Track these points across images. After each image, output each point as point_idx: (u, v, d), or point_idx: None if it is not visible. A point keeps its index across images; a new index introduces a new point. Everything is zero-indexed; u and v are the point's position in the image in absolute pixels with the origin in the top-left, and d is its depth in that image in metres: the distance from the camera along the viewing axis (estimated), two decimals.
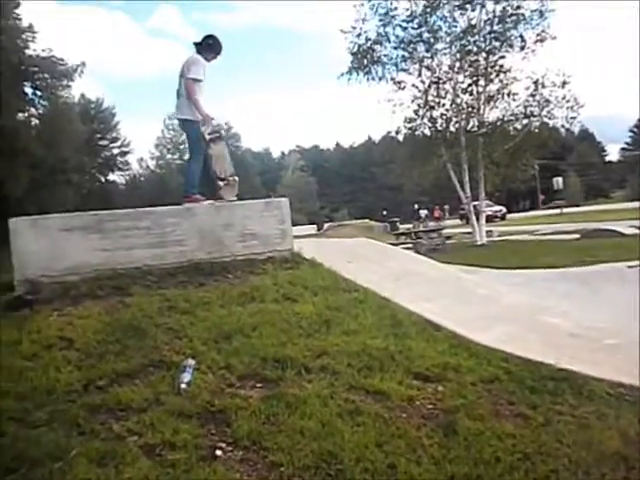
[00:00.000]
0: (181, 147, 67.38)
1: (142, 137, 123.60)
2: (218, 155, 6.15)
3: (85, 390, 3.03)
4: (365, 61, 17.39)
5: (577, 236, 15.09)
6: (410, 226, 28.14)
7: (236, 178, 6.36)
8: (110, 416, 2.78)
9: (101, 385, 3.08)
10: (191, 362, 3.26)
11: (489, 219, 23.42)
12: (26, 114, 32.86)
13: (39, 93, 33.81)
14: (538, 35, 16.50)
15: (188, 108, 5.86)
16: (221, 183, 6.12)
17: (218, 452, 2.53)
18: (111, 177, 61.66)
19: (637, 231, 13.70)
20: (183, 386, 3.06)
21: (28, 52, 30.04)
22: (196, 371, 3.22)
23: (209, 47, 6.01)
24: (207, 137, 5.99)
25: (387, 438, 2.65)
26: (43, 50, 31.00)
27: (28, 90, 32.44)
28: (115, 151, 62.00)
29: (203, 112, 5.85)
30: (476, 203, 17.96)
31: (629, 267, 7.96)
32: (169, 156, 67.36)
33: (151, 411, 2.80)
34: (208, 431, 2.70)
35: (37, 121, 34.16)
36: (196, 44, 6.00)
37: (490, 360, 3.62)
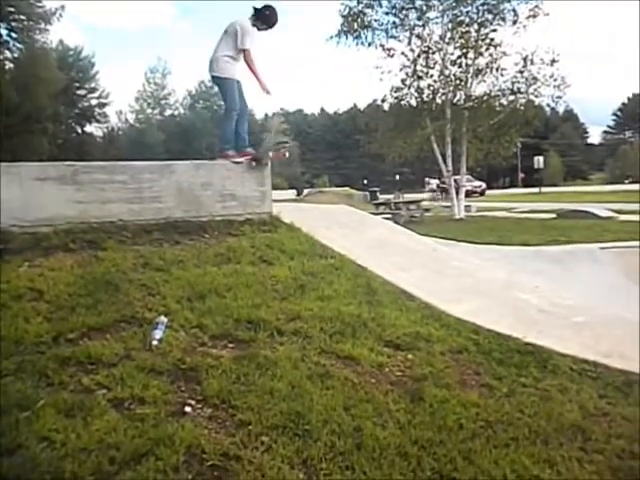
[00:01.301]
0: (162, 102, 66.04)
1: (122, 89, 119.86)
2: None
3: (54, 342, 3.00)
4: (355, 25, 17.05)
5: (553, 216, 15.32)
6: (390, 196, 28.25)
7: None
8: (79, 369, 2.77)
9: (71, 338, 3.06)
10: (163, 319, 3.25)
11: (468, 194, 23.63)
12: (0, 57, 31.59)
13: (14, 35, 32.44)
14: (531, 10, 16.36)
15: (225, 65, 5.82)
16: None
17: (187, 409, 2.55)
18: (88, 128, 60.21)
19: (612, 214, 13.95)
20: (154, 343, 3.05)
21: None
22: (168, 329, 3.22)
23: (265, 17, 5.91)
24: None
25: (355, 402, 2.70)
26: None
27: (2, 31, 31.09)
28: (93, 102, 60.30)
29: (264, 84, 5.86)
30: (457, 177, 18.02)
31: (601, 248, 8.13)
32: (149, 111, 65.85)
33: (121, 366, 2.80)
34: (178, 388, 2.71)
35: (11, 65, 32.85)
36: (255, 9, 5.87)
37: (460, 331, 3.69)
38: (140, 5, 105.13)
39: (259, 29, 5.95)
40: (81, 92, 58.46)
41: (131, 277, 3.91)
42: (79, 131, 58.51)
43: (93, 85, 59.34)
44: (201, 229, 5.18)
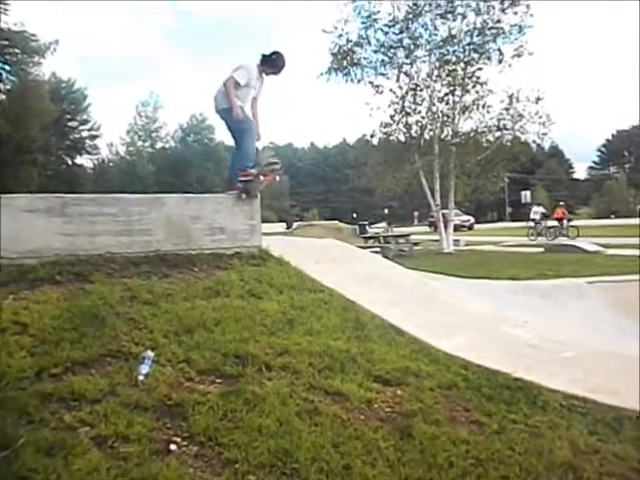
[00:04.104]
0: (153, 135, 66.49)
1: (113, 122, 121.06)
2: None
3: (37, 377, 2.93)
4: (345, 62, 17.44)
5: (541, 250, 15.46)
6: (380, 230, 28.36)
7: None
8: (62, 405, 2.70)
9: (55, 373, 2.99)
10: (150, 354, 3.20)
11: (457, 228, 23.85)
12: None
13: (8, 68, 32.79)
14: (516, 50, 16.87)
15: (224, 98, 5.93)
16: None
17: (172, 446, 2.49)
18: (79, 160, 60.42)
19: (599, 248, 14.10)
20: (140, 378, 3.00)
21: None
22: (155, 363, 3.17)
23: (271, 62, 6.14)
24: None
25: (344, 439, 2.66)
26: (15, 24, 30.14)
27: None
28: (84, 134, 60.76)
29: (235, 108, 5.87)
30: (445, 211, 18.21)
31: (588, 283, 8.19)
32: (140, 143, 66.17)
33: (105, 402, 2.74)
34: (164, 425, 2.66)
35: (4, 97, 33.09)
36: (263, 56, 6.12)
37: (449, 367, 3.67)
38: (131, 36, 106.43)
39: (267, 74, 6.19)
40: (73, 124, 58.89)
41: (118, 310, 3.87)
42: (69, 163, 58.62)
43: (85, 117, 59.86)
44: (190, 262, 5.15)
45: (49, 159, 49.56)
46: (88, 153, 61.45)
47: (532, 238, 23.34)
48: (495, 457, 2.62)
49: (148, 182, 54.87)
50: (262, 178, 6.11)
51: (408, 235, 19.69)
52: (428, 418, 2.94)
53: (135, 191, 5.91)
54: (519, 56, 16.79)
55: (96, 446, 2.40)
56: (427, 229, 35.90)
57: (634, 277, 8.35)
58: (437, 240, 18.54)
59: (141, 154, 64.30)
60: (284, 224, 41.43)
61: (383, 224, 30.50)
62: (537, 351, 4.30)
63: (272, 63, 6.14)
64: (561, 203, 26.45)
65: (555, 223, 24.36)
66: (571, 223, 24.61)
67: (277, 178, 6.61)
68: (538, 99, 16.69)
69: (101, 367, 3.12)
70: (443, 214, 18.06)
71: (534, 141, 19.19)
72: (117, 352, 3.30)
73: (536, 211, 25.31)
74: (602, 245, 14.87)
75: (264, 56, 6.11)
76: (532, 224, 24.84)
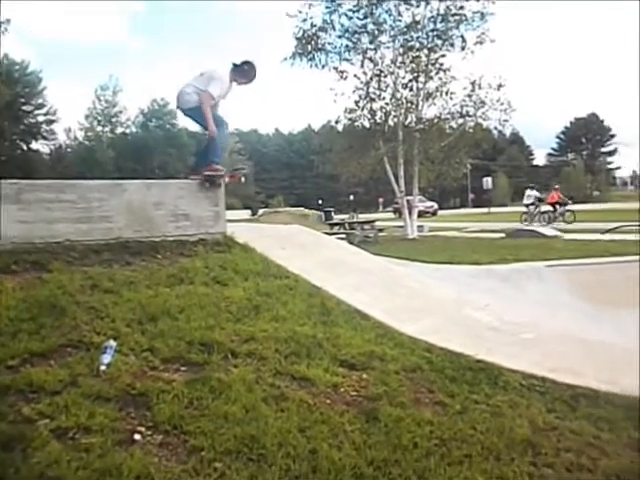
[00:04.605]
0: (113, 120, 64.69)
1: (71, 106, 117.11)
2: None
3: None
4: (309, 47, 17.27)
5: (502, 235, 15.79)
6: (346, 216, 28.44)
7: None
8: (20, 398, 2.62)
9: (12, 365, 2.90)
10: (112, 343, 3.14)
11: (421, 214, 24.11)
12: None
13: None
14: (478, 37, 17.00)
15: (192, 96, 5.79)
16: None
17: (136, 436, 2.46)
18: (34, 146, 58.35)
19: (557, 233, 14.51)
20: (102, 368, 2.94)
21: None
22: (117, 353, 3.11)
23: (243, 72, 6.01)
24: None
25: (310, 424, 2.67)
26: None
27: None
28: (40, 118, 58.73)
29: (211, 126, 5.72)
30: (409, 198, 18.38)
31: (547, 266, 8.42)
32: (100, 128, 64.24)
33: (66, 393, 2.67)
34: (127, 415, 2.61)
35: None
36: (234, 65, 5.95)
37: (414, 350, 3.73)
38: (92, 20, 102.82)
39: (238, 83, 6.06)
40: (27, 108, 56.76)
41: (78, 299, 3.77)
42: (24, 148, 56.60)
43: (40, 101, 57.78)
44: (153, 249, 5.06)
45: (2, 144, 47.73)
46: (44, 138, 59.55)
47: (526, 224, 21.25)
48: (458, 437, 2.68)
49: (108, 168, 53.49)
50: (227, 179, 6.06)
51: (373, 221, 19.82)
52: (393, 401, 2.98)
53: (95, 177, 5.74)
54: (481, 43, 16.95)
55: (56, 438, 2.34)
56: (392, 215, 36.25)
57: (590, 260, 8.64)
58: (402, 226, 18.73)
59: (100, 139, 62.46)
60: (249, 211, 41.17)
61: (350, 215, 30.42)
62: (498, 333, 4.42)
63: (244, 73, 6.02)
64: (556, 186, 24.65)
65: (549, 207, 22.65)
66: (567, 207, 22.65)
67: (242, 179, 6.62)
68: (499, 86, 16.92)
69: (61, 358, 3.04)
70: (407, 200, 18.23)
71: (495, 128, 19.46)
72: (78, 342, 3.22)
73: (529, 195, 23.30)
74: (560, 230, 15.31)
75: (235, 65, 5.97)
76: (525, 209, 23.05)
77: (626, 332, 4.91)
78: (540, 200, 23.05)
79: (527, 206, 22.99)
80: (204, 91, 5.72)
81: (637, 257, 8.19)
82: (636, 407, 3.06)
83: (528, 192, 23.51)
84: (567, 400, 3.18)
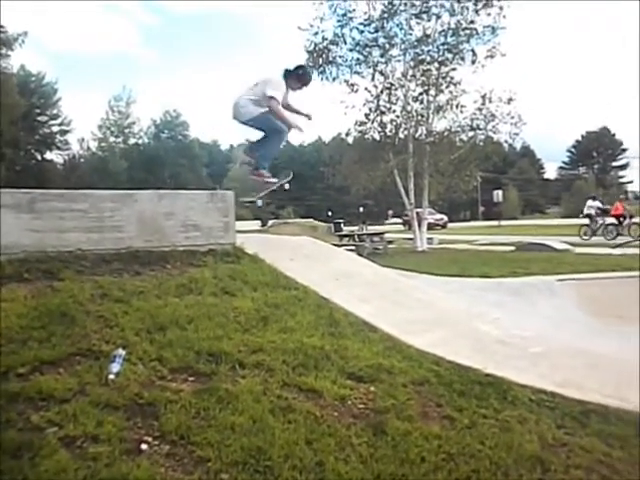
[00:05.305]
0: (126, 131, 65.38)
1: (85, 117, 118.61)
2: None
3: (4, 377, 2.87)
4: (320, 60, 17.41)
5: (512, 248, 15.71)
6: (355, 228, 28.42)
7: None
8: (29, 406, 2.64)
9: (21, 373, 2.93)
10: (121, 352, 3.16)
11: (431, 227, 24.05)
12: None
13: None
14: (489, 50, 17.05)
15: (251, 106, 5.67)
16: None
17: (144, 446, 2.46)
18: (48, 156, 59.05)
19: (568, 246, 14.41)
20: (111, 377, 2.96)
21: None
22: (126, 362, 3.12)
23: (297, 77, 5.87)
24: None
25: (317, 436, 2.67)
26: None
27: None
28: (55, 129, 59.43)
29: (289, 122, 5.69)
30: (419, 210, 18.36)
31: (558, 280, 8.36)
32: (112, 139, 64.95)
33: (75, 402, 2.69)
34: (135, 424, 2.62)
35: None
36: (286, 71, 5.83)
37: (422, 363, 3.71)
38: (106, 32, 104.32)
39: (293, 89, 5.91)
40: (42, 118, 57.58)
41: (88, 308, 3.80)
42: (39, 158, 57.33)
43: (55, 112, 58.58)
44: (163, 259, 5.09)
45: (18, 154, 48.38)
46: (58, 148, 60.18)
47: (585, 238, 19.41)
48: (466, 451, 2.66)
49: (120, 178, 53.97)
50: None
51: (382, 233, 19.81)
52: (401, 414, 2.96)
53: (107, 187, 5.84)
54: (492, 57, 17.00)
55: (64, 447, 2.36)
56: (401, 227, 36.18)
57: (601, 275, 8.57)
58: (411, 238, 18.69)
59: (113, 150, 63.11)
60: (259, 222, 41.25)
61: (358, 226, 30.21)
62: (507, 347, 4.38)
63: (298, 78, 5.88)
64: (621, 197, 22.89)
65: (613, 220, 20.13)
66: (634, 220, 19.82)
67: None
68: (510, 100, 16.93)
69: (70, 366, 3.06)
70: (417, 213, 18.21)
71: (506, 141, 19.36)
72: (87, 351, 3.24)
73: (591, 205, 20.96)
74: (571, 244, 15.20)
75: (288, 71, 5.82)
76: (586, 221, 20.77)
77: (632, 347, 4.86)
78: (604, 212, 20.72)
79: (589, 217, 20.73)
80: (267, 97, 5.56)
81: None
82: None
83: (589, 202, 21.38)
84: (577, 416, 3.14)
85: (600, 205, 20.85)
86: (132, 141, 66.86)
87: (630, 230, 18.91)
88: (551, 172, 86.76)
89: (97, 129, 64.57)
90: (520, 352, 4.27)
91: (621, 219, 19.90)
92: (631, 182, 77.53)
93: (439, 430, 2.84)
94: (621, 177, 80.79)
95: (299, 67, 5.95)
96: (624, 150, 79.50)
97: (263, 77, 5.79)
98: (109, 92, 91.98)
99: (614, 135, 79.67)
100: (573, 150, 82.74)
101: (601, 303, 6.92)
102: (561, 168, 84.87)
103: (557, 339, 4.91)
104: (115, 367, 3.02)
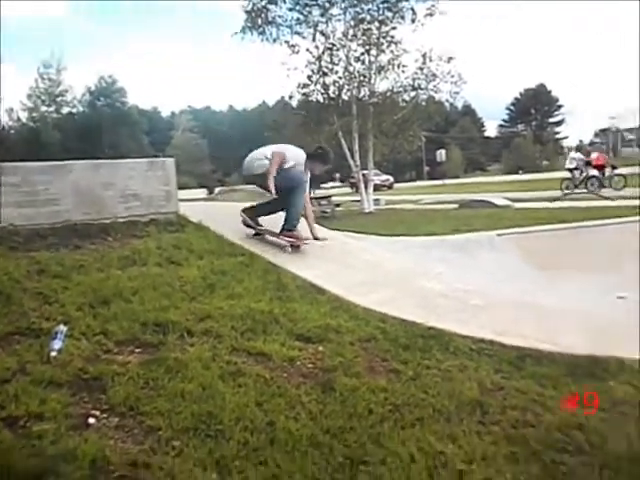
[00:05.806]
0: (58, 99, 61.90)
1: (12, 86, 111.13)
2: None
3: None
4: (259, 21, 16.91)
5: (456, 206, 16.13)
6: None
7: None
8: None
9: None
10: (62, 328, 3.07)
11: (377, 188, 24.32)
12: None
13: None
14: (428, 9, 17.02)
15: (261, 162, 5.57)
16: None
17: (91, 420, 2.43)
18: None
19: (508, 202, 14.93)
20: (53, 354, 2.88)
21: None
22: (68, 338, 3.05)
23: (318, 157, 5.92)
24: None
25: (267, 397, 2.71)
26: None
27: None
28: None
29: (270, 181, 5.34)
30: (365, 172, 18.47)
31: (498, 235, 8.68)
32: (44, 108, 61.35)
33: (15, 381, 2.61)
34: (81, 399, 2.58)
35: None
36: (307, 155, 5.83)
37: (368, 321, 3.81)
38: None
39: (317, 172, 6.05)
40: None
41: (25, 285, 3.67)
42: None
43: None
44: (103, 232, 4.96)
45: None
46: None
47: (567, 192, 17.93)
48: (411, 401, 2.77)
49: (54, 150, 51.20)
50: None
51: (329, 196, 19.86)
52: (348, 371, 3.05)
53: (41, 159, 5.56)
54: (431, 15, 16.99)
55: (7, 427, 2.30)
56: (349, 190, 36.41)
57: (538, 228, 8.96)
58: (358, 200, 18.84)
59: (45, 120, 59.72)
60: (205, 190, 40.49)
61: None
62: (449, 301, 4.55)
63: (319, 158, 5.93)
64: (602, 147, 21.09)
65: (595, 172, 18.51)
66: (616, 171, 18.86)
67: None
68: (450, 58, 17.04)
69: (8, 345, 2.97)
70: (363, 174, 18.31)
71: (447, 100, 19.61)
72: (26, 329, 3.15)
73: (573, 158, 19.50)
74: (511, 199, 15.75)
75: (309, 155, 5.85)
76: (568, 174, 19.40)
77: (569, 296, 5.16)
78: (588, 164, 18.84)
79: (571, 171, 19.25)
80: (276, 153, 5.53)
81: (581, 223, 8.57)
82: (576, 364, 3.24)
83: (572, 154, 20.01)
84: (513, 361, 3.32)
85: (583, 157, 19.23)
86: (66, 110, 63.44)
87: (612, 182, 18.16)
88: (492, 130, 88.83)
89: (26, 98, 60.86)
90: (462, 305, 4.45)
91: (604, 170, 18.67)
92: (566, 138, 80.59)
93: (385, 383, 2.95)
94: (557, 133, 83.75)
95: (319, 147, 6.19)
96: (560, 106, 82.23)
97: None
98: (38, 59, 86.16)
99: (550, 92, 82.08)
100: (512, 108, 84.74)
101: (538, 254, 7.25)
102: (501, 126, 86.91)
103: (497, 291, 5.13)
104: (57, 344, 2.94)
